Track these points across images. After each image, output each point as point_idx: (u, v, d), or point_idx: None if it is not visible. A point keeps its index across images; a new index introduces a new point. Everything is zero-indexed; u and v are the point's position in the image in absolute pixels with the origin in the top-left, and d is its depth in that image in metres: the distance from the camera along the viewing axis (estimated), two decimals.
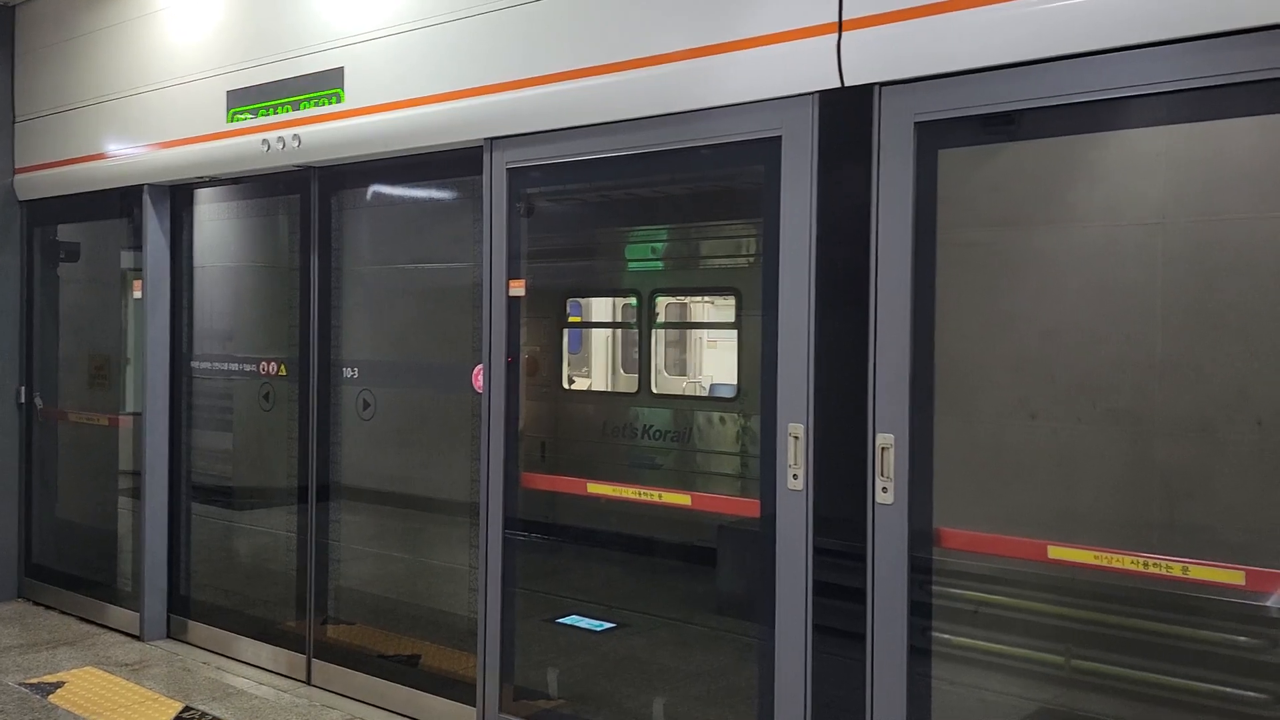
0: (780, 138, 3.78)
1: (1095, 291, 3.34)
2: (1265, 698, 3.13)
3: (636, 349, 7.86)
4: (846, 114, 3.64)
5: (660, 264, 7.42)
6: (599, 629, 5.17)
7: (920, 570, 3.53)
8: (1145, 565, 3.16)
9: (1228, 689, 3.19)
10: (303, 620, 5.75)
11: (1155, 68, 3.07)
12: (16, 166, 7.27)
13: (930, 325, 3.50)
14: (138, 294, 6.56)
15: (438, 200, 5.45)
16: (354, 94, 5.15)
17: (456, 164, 4.96)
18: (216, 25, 5.88)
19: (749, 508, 4.02)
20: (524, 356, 4.82)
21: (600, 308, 8.55)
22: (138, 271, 6.56)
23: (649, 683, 4.96)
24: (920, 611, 3.54)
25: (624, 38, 4.20)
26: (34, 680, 5.67)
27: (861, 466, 3.59)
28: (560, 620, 5.16)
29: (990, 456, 3.62)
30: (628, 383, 8.72)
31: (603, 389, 8.96)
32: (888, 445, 3.53)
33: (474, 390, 4.95)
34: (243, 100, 5.69)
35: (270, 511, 6.24)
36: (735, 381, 7.03)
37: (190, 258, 6.54)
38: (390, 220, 5.66)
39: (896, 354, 3.52)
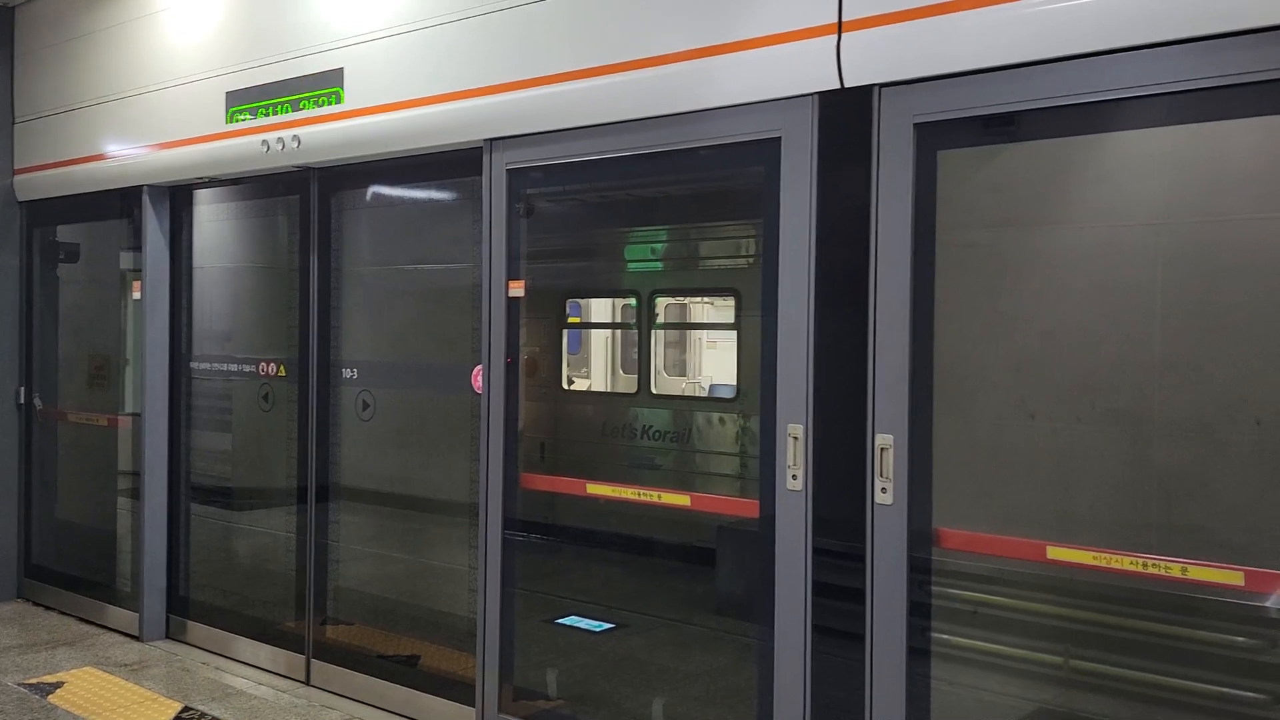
0: (780, 139, 3.78)
1: (1095, 292, 3.34)
2: (1264, 698, 3.13)
3: (636, 350, 7.87)
4: (846, 115, 3.64)
5: (660, 265, 7.42)
6: (598, 629, 5.17)
7: (919, 571, 3.53)
8: (1144, 566, 3.16)
9: (1226, 689, 3.19)
10: (302, 620, 5.75)
11: (1156, 68, 3.06)
12: (16, 167, 7.27)
13: (929, 326, 3.51)
14: (137, 295, 6.56)
15: (437, 201, 5.45)
16: (354, 95, 5.16)
17: (456, 165, 4.96)
18: (216, 26, 5.88)
19: (748, 508, 4.02)
20: (523, 357, 4.82)
21: (600, 308, 8.56)
22: (137, 272, 6.56)
23: (648, 683, 4.96)
24: (919, 612, 3.54)
25: (623, 38, 4.20)
26: (33, 680, 5.67)
27: (861, 467, 3.59)
28: (560, 621, 5.17)
29: (989, 457, 3.63)
30: (627, 383, 8.73)
31: (602, 389, 8.96)
32: (887, 446, 3.53)
33: (473, 391, 4.95)
34: (242, 101, 5.70)
35: (269, 512, 6.24)
36: (735, 382, 7.03)
37: (190, 258, 6.54)
38: (390, 221, 5.66)
39: (896, 354, 3.52)
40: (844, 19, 3.60)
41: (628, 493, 4.56)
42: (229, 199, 6.31)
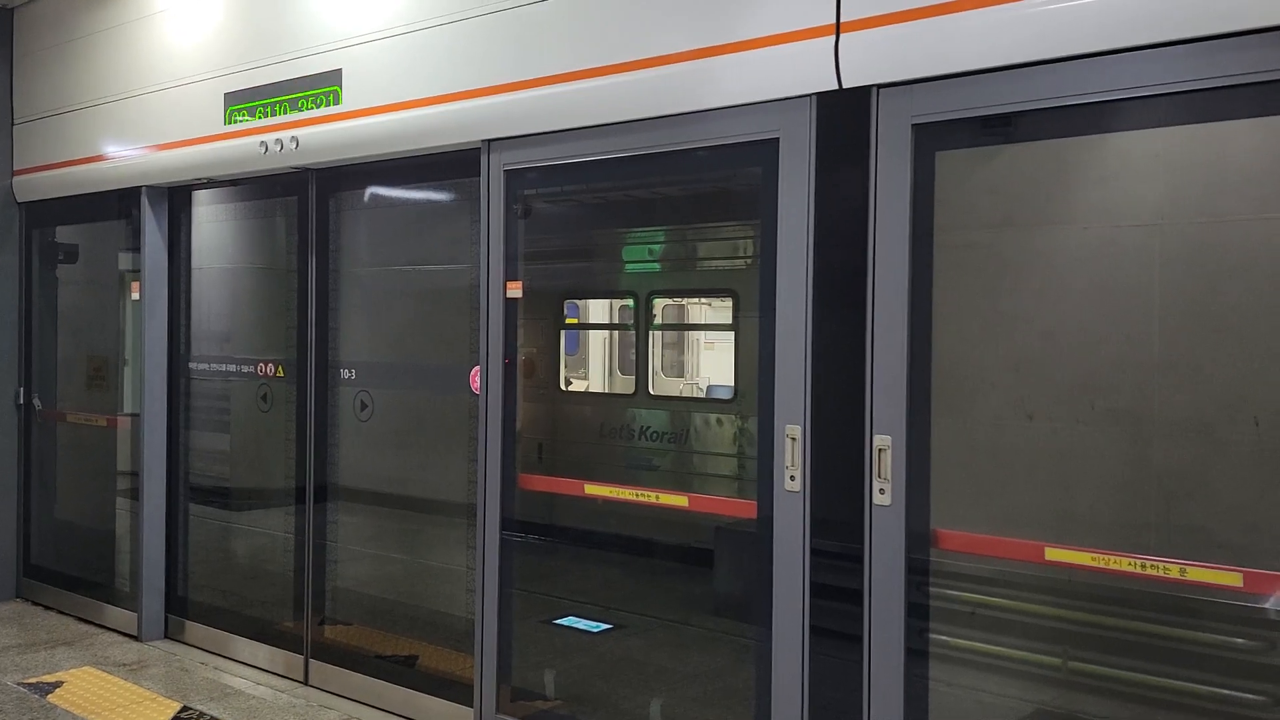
0: (778, 139, 3.78)
1: (1094, 292, 3.34)
2: (1263, 699, 3.13)
3: (634, 350, 7.87)
4: (844, 116, 3.64)
5: (657, 265, 7.42)
6: (596, 630, 5.17)
7: (917, 572, 3.53)
8: (1143, 567, 3.16)
9: (1225, 691, 3.19)
10: (300, 621, 5.75)
11: (1156, 69, 3.06)
12: (15, 168, 7.27)
13: (928, 327, 3.50)
14: (136, 295, 6.56)
15: (435, 202, 5.45)
16: (352, 96, 5.15)
17: (454, 166, 4.96)
18: (214, 27, 5.88)
19: (746, 509, 4.02)
20: (521, 358, 4.82)
21: (597, 309, 8.56)
22: (136, 273, 6.56)
23: (646, 684, 4.96)
24: (917, 613, 3.54)
25: (621, 39, 4.20)
26: (32, 680, 5.66)
27: (859, 468, 3.59)
28: (557, 621, 5.16)
29: (988, 458, 3.62)
30: (625, 384, 8.74)
31: (600, 390, 8.96)
32: (885, 447, 3.53)
33: (471, 391, 4.95)
34: (241, 102, 5.69)
35: (268, 512, 6.23)
36: (732, 383, 7.04)
37: (188, 259, 6.54)
38: (388, 222, 5.66)
39: (894, 355, 3.52)
40: (842, 20, 3.60)
41: (626, 493, 4.56)
42: (227, 200, 6.31)
